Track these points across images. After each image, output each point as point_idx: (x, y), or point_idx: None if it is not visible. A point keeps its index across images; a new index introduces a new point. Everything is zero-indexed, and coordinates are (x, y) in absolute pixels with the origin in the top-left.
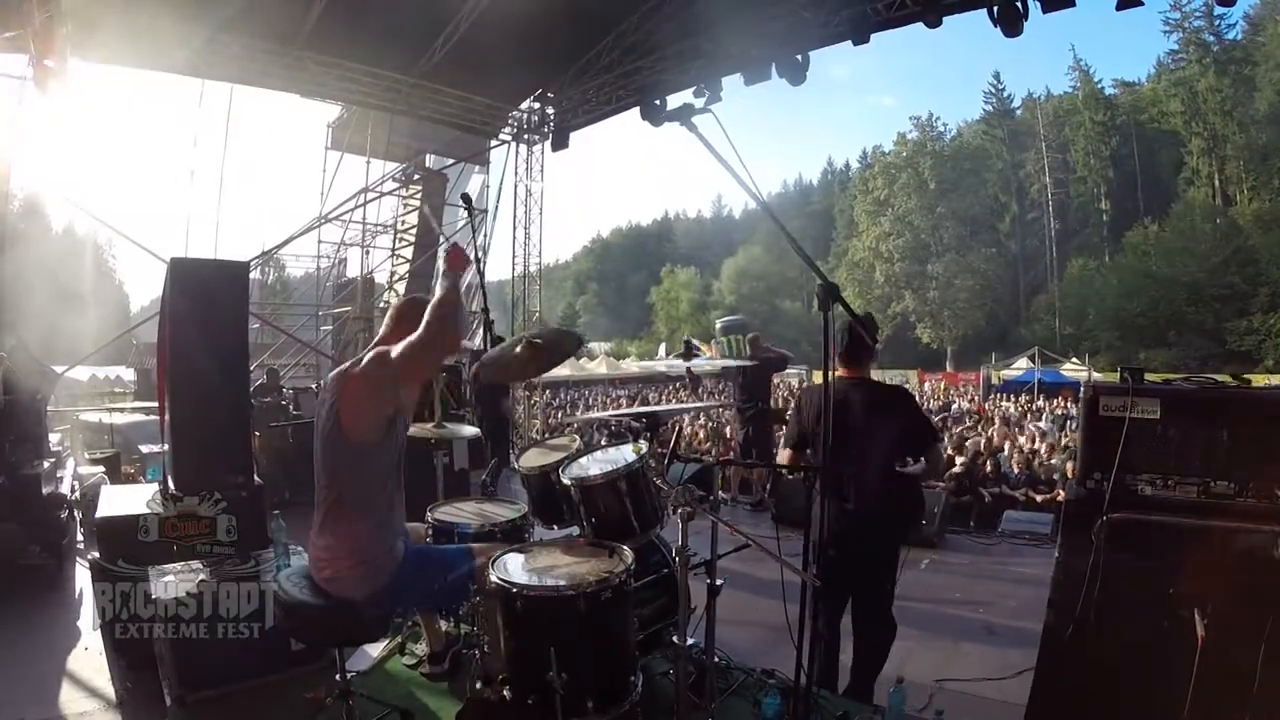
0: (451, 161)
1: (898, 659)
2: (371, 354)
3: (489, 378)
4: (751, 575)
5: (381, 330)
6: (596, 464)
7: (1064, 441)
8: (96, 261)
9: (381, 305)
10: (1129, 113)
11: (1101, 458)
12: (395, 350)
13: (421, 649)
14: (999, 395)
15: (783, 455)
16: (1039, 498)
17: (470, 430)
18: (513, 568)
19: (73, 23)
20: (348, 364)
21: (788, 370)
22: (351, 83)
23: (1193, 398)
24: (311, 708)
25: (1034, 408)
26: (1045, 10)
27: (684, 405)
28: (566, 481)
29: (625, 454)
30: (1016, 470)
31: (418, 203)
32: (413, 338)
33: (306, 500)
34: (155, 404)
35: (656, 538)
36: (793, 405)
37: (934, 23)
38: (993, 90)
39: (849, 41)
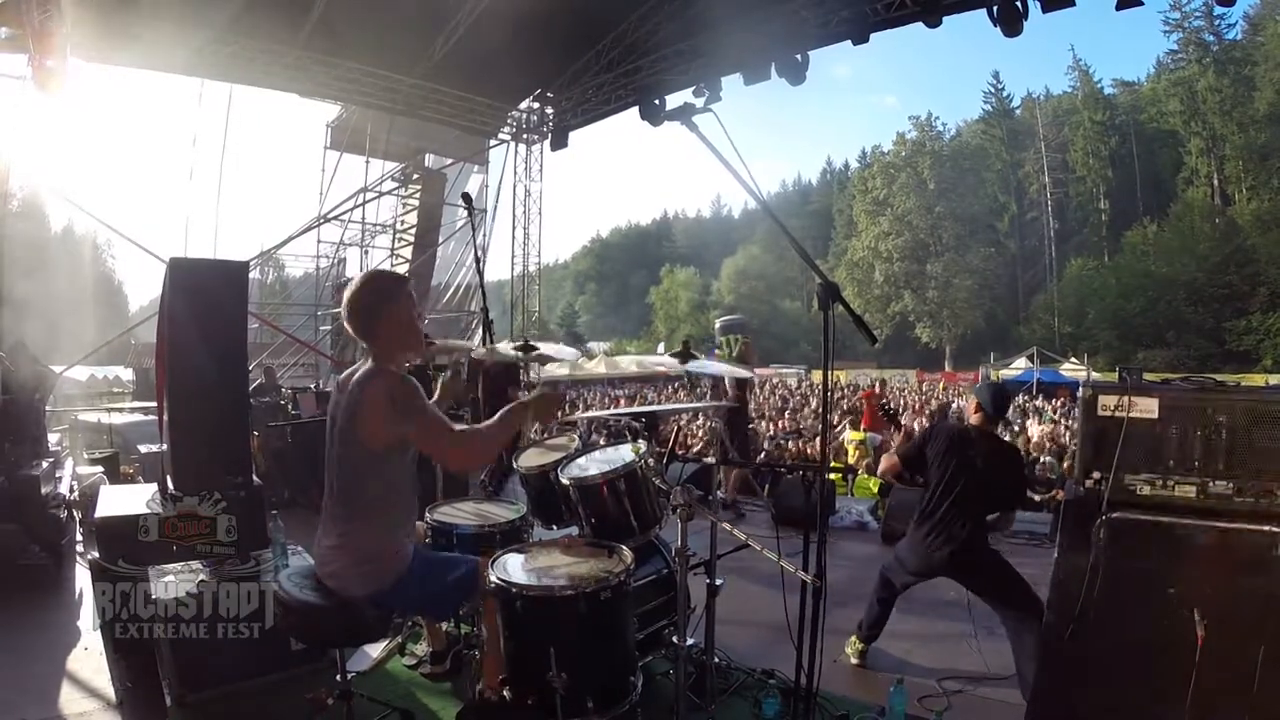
0: (451, 161)
1: (898, 659)
2: (403, 391)
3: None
4: (751, 575)
5: (349, 324)
6: (595, 464)
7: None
8: (95, 261)
9: None
10: (1128, 112)
11: (1100, 457)
12: (419, 424)
13: (422, 649)
14: None
15: (885, 462)
16: (1038, 498)
17: None
18: (512, 568)
19: (73, 23)
20: (366, 369)
21: (785, 369)
22: (351, 83)
23: (1191, 397)
24: (311, 708)
25: (1033, 407)
26: (1045, 10)
27: (682, 405)
28: (565, 481)
29: (624, 454)
30: None
31: (417, 202)
32: (442, 431)
33: (306, 500)
34: (154, 404)
35: (656, 538)
36: (921, 432)
37: (934, 23)
38: (992, 90)
39: (849, 41)
